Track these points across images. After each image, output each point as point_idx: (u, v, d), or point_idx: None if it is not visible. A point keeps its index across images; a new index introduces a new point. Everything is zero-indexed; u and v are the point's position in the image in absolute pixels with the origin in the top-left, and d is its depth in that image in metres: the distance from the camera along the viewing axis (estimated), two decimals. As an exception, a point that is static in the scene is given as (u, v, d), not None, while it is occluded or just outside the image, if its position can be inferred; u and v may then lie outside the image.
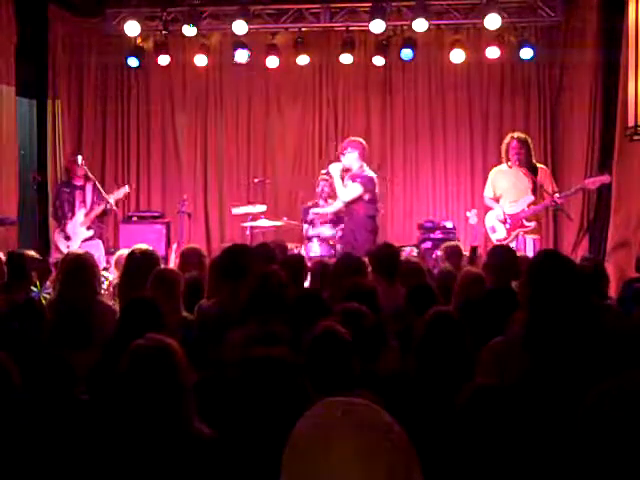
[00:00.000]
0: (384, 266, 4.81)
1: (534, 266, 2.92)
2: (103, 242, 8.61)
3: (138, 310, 3.36)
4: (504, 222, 7.48)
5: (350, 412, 1.19)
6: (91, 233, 8.46)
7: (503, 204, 7.54)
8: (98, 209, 8.36)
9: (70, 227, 8.41)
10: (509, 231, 7.45)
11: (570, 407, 2.09)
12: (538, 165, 7.64)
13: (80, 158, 8.64)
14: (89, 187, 8.49)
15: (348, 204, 7.66)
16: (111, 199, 8.32)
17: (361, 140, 7.98)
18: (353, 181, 7.62)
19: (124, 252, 6.68)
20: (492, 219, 7.63)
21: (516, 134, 7.75)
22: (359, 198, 7.59)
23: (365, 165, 7.77)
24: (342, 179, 7.68)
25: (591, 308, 2.82)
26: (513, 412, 2.04)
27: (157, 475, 2.25)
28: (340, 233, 8.20)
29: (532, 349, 2.69)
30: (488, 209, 7.86)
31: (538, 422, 2.12)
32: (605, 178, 7.44)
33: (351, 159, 7.67)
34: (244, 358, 2.35)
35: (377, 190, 7.71)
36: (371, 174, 7.70)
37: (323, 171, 8.33)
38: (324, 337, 2.79)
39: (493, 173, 7.82)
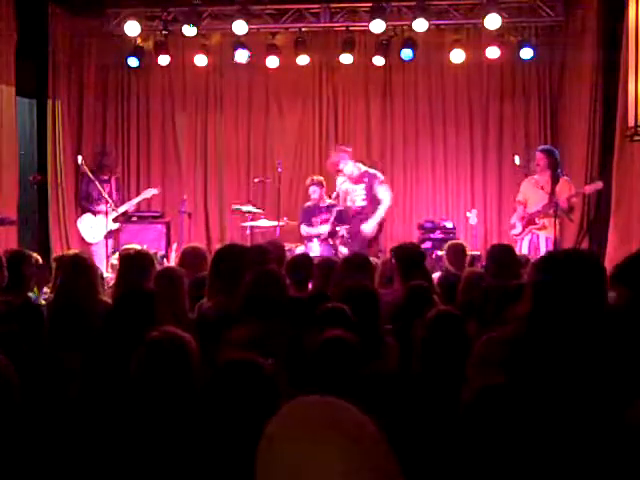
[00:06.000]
0: (406, 264, 4.84)
1: (540, 263, 2.90)
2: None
3: (131, 303, 3.35)
4: (522, 219, 8.29)
5: (326, 412, 1.20)
6: (117, 226, 8.91)
7: (528, 207, 8.29)
8: (122, 207, 8.94)
9: (99, 216, 8.92)
10: (524, 227, 8.26)
11: (572, 404, 2.09)
12: (561, 176, 8.10)
13: (80, 158, 8.68)
14: (113, 181, 9.07)
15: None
16: (139, 198, 9.25)
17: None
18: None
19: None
20: (514, 218, 8.47)
21: (541, 147, 8.53)
22: None
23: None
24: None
25: (600, 308, 2.80)
26: (520, 412, 2.04)
27: (162, 471, 2.25)
28: (345, 232, 8.31)
29: (536, 347, 2.67)
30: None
31: (544, 422, 2.11)
32: (598, 185, 8.04)
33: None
34: (216, 364, 2.34)
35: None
36: None
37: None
38: (332, 343, 2.79)
39: (524, 182, 8.44)
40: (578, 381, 2.46)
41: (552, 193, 7.96)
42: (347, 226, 8.44)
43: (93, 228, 8.91)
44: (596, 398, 2.30)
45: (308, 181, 8.88)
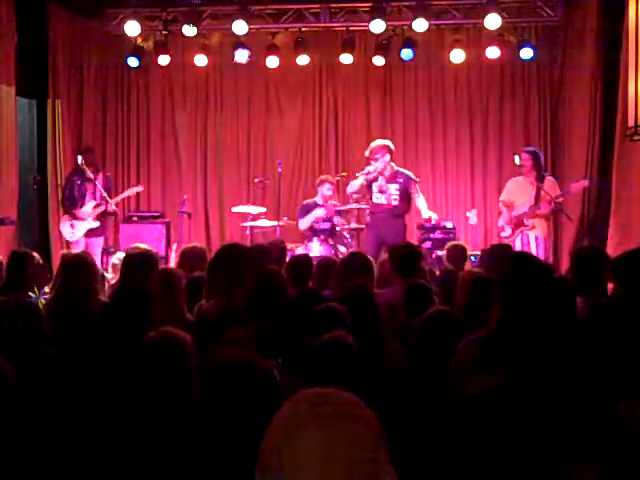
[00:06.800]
0: (400, 264, 4.85)
1: (506, 270, 2.91)
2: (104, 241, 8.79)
3: (125, 301, 3.34)
4: (509, 223, 8.37)
5: (318, 405, 1.22)
6: (97, 224, 8.81)
7: (515, 208, 8.36)
8: (105, 206, 8.73)
9: (78, 215, 8.83)
10: (513, 230, 8.36)
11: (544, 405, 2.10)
12: (546, 176, 8.30)
13: (80, 158, 8.68)
14: (99, 180, 8.83)
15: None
16: (123, 195, 9.20)
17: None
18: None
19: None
20: (501, 221, 8.56)
21: (526, 148, 8.63)
22: None
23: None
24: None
25: (566, 309, 2.82)
26: (520, 411, 2.03)
27: (158, 469, 2.25)
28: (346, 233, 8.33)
29: (504, 351, 2.67)
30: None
31: (540, 422, 2.11)
32: (585, 183, 8.34)
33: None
34: (215, 364, 2.34)
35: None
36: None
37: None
38: (332, 345, 2.80)
39: (509, 182, 8.58)
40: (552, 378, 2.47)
41: (538, 194, 8.16)
42: (347, 226, 8.44)
43: (73, 226, 8.80)
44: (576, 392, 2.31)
45: (327, 177, 8.68)
